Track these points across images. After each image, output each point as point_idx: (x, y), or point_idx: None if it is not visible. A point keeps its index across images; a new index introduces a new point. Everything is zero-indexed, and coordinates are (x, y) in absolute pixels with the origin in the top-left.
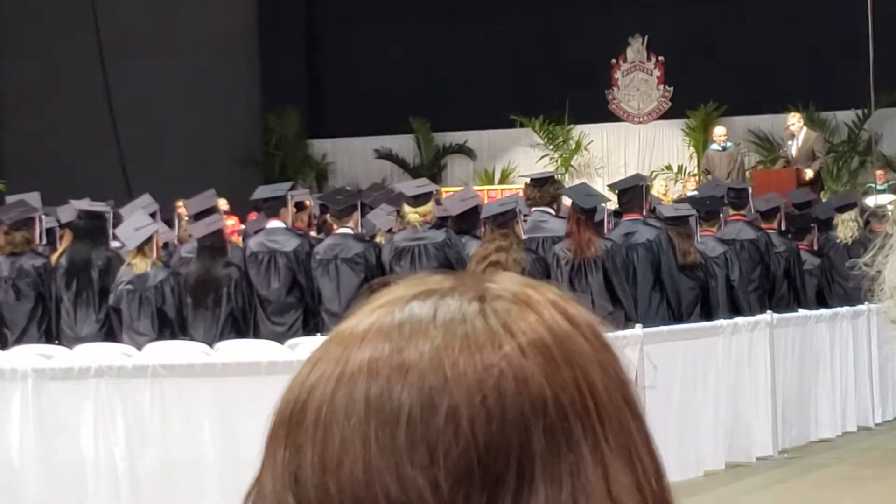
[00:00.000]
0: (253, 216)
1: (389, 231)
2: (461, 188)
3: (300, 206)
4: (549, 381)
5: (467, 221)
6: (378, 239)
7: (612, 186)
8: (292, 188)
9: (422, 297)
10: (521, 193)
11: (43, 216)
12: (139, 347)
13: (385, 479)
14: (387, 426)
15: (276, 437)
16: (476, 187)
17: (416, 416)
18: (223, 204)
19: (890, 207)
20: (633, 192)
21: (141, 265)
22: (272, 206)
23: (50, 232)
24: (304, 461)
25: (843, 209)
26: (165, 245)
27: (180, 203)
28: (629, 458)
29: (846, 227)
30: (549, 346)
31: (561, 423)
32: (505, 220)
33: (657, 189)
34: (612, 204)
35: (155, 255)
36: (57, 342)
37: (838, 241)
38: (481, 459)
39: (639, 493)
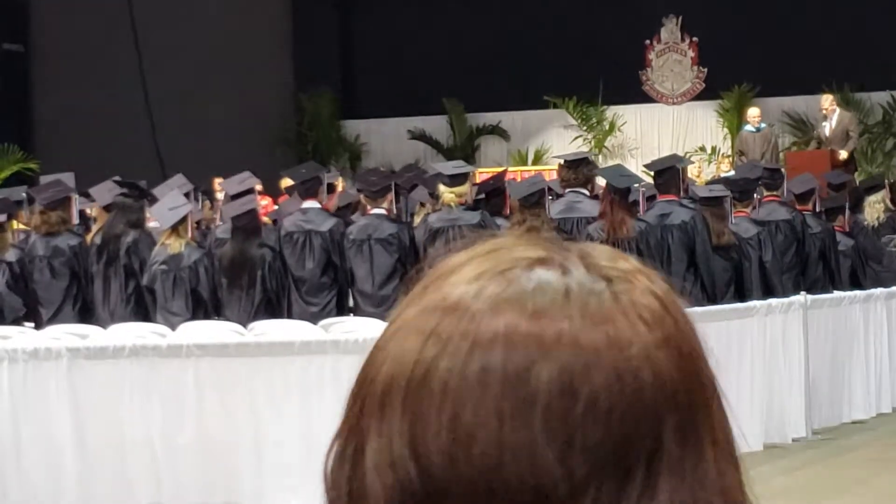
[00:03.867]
0: (284, 198)
1: (423, 205)
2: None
3: (329, 189)
4: (680, 373)
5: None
6: (417, 217)
7: (648, 167)
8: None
9: (543, 265)
10: (554, 174)
11: (77, 197)
12: (173, 327)
13: (519, 461)
14: (524, 405)
15: (387, 403)
16: (510, 168)
17: (555, 399)
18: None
19: None
20: (669, 173)
21: (175, 245)
22: (310, 187)
23: (83, 214)
24: (428, 429)
25: (869, 191)
26: (199, 225)
27: (218, 181)
28: (732, 452)
29: (873, 210)
30: (674, 337)
31: (690, 417)
32: (536, 199)
33: (690, 170)
34: (648, 184)
35: (189, 235)
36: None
37: (865, 223)
38: (616, 451)
39: (740, 488)
